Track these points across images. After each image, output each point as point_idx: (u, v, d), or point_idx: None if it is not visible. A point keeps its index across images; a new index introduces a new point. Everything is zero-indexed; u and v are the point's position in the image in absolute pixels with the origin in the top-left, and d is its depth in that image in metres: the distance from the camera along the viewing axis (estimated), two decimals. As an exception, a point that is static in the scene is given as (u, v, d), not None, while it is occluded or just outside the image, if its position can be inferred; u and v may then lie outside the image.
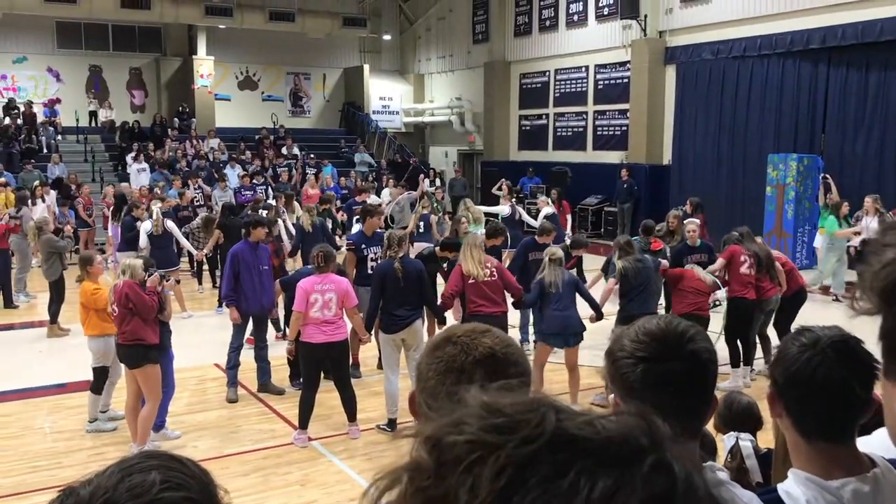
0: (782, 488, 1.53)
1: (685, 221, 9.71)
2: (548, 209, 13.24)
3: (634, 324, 1.55)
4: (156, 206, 11.74)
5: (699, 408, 1.51)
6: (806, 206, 14.68)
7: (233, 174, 19.30)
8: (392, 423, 6.94)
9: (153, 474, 0.92)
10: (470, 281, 7.22)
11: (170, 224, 11.43)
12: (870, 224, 11.55)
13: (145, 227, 11.25)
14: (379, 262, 8.21)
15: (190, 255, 13.08)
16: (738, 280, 8.07)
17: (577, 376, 7.38)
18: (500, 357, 1.37)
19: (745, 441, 3.33)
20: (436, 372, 1.37)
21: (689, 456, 0.64)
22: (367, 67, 27.11)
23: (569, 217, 15.78)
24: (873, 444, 1.61)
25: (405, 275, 7.00)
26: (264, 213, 11.35)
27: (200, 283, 13.49)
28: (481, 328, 1.45)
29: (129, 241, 11.48)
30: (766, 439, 3.47)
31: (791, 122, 16.09)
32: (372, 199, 14.83)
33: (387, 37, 27.95)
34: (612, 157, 20.20)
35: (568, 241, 9.79)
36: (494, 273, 7.31)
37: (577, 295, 7.47)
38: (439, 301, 7.48)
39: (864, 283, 0.86)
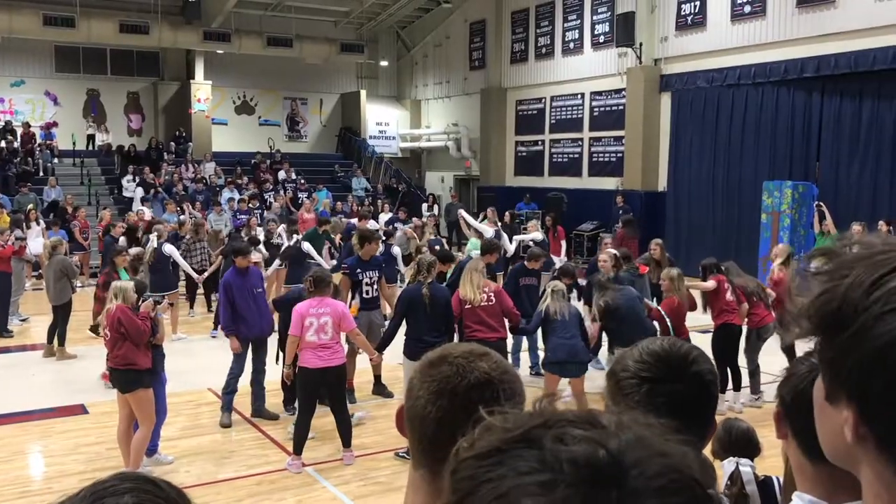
0: (786, 512, 1.51)
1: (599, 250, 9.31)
2: (537, 234, 13.13)
3: (637, 345, 1.54)
4: (153, 236, 11.62)
5: (700, 429, 1.53)
6: (801, 234, 14.71)
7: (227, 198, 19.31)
8: None
9: (126, 497, 0.89)
10: (467, 306, 7.19)
11: (169, 248, 11.31)
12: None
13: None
14: (380, 287, 8.15)
15: (187, 277, 12.87)
16: (724, 307, 8.17)
17: (585, 403, 7.27)
18: (495, 383, 1.32)
19: (746, 467, 3.30)
20: (427, 391, 1.31)
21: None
22: (363, 93, 27.25)
23: (563, 243, 15.74)
24: None
25: (432, 301, 7.00)
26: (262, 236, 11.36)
27: (192, 307, 13.45)
28: (479, 350, 1.39)
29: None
30: (764, 466, 3.45)
31: (785, 149, 16.18)
32: (370, 224, 14.85)
33: (384, 63, 28.14)
34: (608, 183, 20.26)
35: (557, 268, 9.75)
36: (492, 298, 7.27)
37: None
38: None
39: (799, 311, 0.89)
